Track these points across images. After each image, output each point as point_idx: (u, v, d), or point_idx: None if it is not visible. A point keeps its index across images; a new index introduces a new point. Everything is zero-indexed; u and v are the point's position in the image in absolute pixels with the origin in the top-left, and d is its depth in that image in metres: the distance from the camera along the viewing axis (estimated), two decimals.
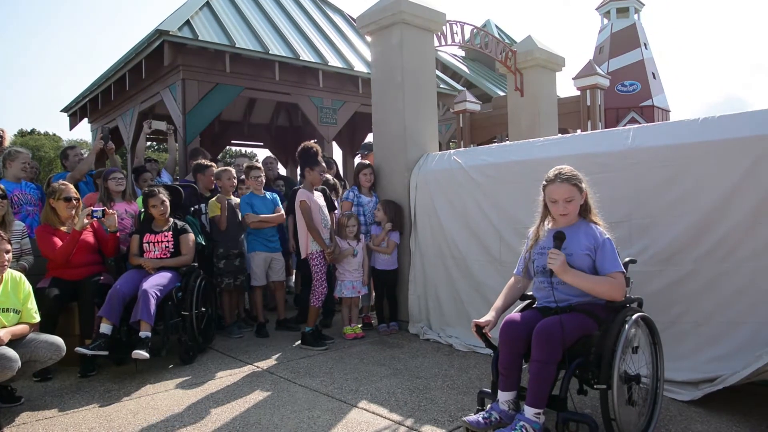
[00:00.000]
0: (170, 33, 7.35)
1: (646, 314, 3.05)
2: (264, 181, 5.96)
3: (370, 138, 6.82)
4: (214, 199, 5.75)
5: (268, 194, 5.95)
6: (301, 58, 8.62)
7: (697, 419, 3.26)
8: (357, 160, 7.55)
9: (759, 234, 3.47)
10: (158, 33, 7.39)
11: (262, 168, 6.03)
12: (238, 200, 5.90)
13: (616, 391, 2.70)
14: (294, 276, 7.37)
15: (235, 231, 5.80)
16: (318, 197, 5.36)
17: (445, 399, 3.73)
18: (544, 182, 3.07)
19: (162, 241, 5.00)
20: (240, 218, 5.78)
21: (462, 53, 18.61)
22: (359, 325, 5.65)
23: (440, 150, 6.00)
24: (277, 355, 4.95)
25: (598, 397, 2.78)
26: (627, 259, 3.24)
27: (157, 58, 7.75)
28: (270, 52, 8.27)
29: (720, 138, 3.68)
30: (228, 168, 5.99)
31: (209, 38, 7.76)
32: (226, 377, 4.36)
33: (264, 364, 4.68)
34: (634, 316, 2.90)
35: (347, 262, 5.48)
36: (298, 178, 7.17)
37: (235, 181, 5.97)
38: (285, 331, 5.84)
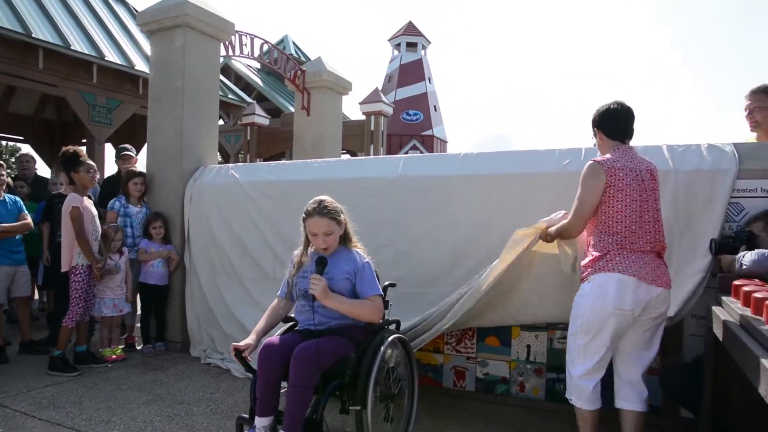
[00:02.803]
0: None
1: (402, 335, 3.23)
2: (6, 182, 5.17)
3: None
4: None
5: (8, 198, 5.15)
6: (72, 47, 7.79)
7: (449, 430, 3.53)
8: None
9: None
10: None
11: (4, 165, 5.19)
12: None
13: (370, 411, 2.79)
14: (46, 291, 6.55)
15: None
16: (90, 205, 4.84)
17: (207, 425, 3.57)
18: (304, 215, 3.07)
19: None
20: None
21: (258, 65, 18.41)
22: (120, 347, 5.18)
23: (228, 161, 5.81)
24: (16, 384, 4.31)
25: None
26: (387, 283, 3.40)
27: None
28: (33, 35, 7.32)
29: (476, 173, 4.07)
30: None
31: None
32: None
33: None
34: (390, 338, 3.04)
35: (109, 278, 4.99)
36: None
37: None
38: (31, 354, 5.12)
